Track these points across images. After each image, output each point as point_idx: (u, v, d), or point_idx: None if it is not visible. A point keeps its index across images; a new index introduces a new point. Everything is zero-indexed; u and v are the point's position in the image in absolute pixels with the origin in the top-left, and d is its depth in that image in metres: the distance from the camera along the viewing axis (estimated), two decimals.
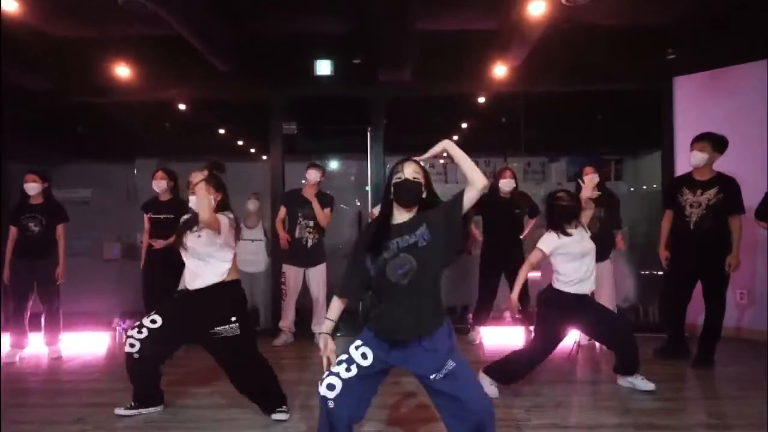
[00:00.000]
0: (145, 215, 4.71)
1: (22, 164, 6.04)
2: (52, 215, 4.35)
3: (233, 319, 2.83)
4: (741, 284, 4.55)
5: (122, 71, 4.95)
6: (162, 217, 4.61)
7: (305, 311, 4.85)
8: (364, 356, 2.02)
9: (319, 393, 1.99)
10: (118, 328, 5.01)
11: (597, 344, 4.55)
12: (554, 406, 2.98)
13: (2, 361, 4.13)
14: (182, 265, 4.54)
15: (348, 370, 2.00)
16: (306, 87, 5.26)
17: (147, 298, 4.65)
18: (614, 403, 3.07)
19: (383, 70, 4.87)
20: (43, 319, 4.40)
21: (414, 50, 4.57)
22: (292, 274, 4.71)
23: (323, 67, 5.06)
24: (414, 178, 2.01)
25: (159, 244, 4.46)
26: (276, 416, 2.86)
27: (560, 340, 3.20)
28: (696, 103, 4.94)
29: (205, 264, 2.86)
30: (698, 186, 3.81)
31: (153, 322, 2.86)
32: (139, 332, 2.83)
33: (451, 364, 1.94)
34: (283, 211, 4.74)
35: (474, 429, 1.92)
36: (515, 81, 5.03)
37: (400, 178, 2.01)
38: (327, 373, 2.01)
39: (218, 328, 2.82)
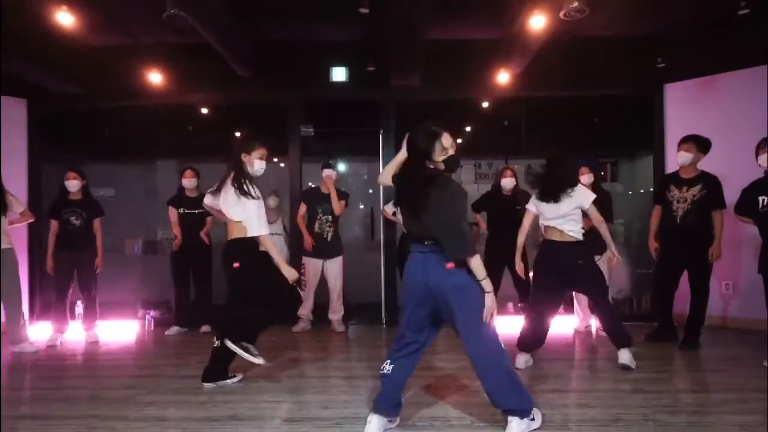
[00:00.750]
0: (171, 209, 5.08)
1: (51, 164, 6.45)
2: (91, 210, 4.73)
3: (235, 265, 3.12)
4: (726, 276, 4.91)
5: (150, 77, 5.31)
6: (196, 212, 4.98)
7: (321, 304, 5.21)
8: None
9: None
10: (147, 316, 5.36)
11: (593, 330, 4.93)
12: (554, 377, 3.33)
13: (45, 344, 4.50)
14: (207, 250, 4.98)
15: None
16: (322, 91, 5.63)
17: (178, 286, 5.03)
18: (608, 374, 3.43)
19: (395, 75, 5.25)
20: (81, 307, 4.77)
21: (423, 57, 4.94)
22: (311, 265, 5.08)
23: (338, 74, 5.44)
24: None
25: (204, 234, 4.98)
26: (208, 384, 3.17)
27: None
28: (685, 109, 5.31)
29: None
30: (684, 183, 4.18)
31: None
32: None
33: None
34: (303, 208, 5.11)
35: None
36: (517, 87, 5.41)
37: None
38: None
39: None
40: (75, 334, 4.77)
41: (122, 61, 5.30)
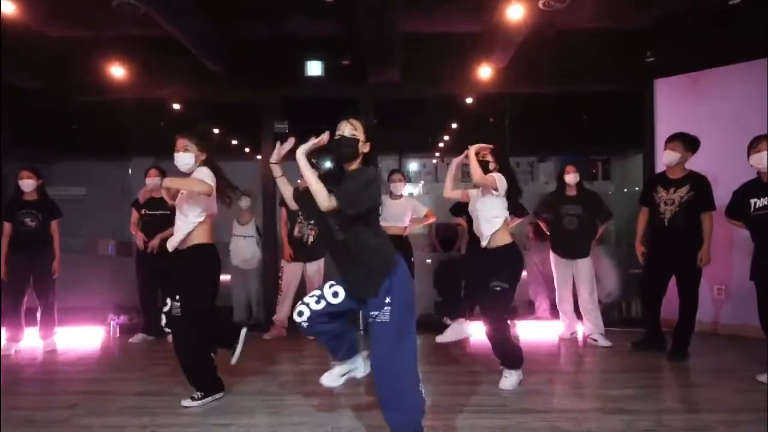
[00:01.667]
0: (134, 211, 4.84)
1: (16, 161, 6.18)
2: (47, 211, 4.46)
3: (177, 297, 2.90)
4: (718, 280, 4.70)
5: (116, 71, 5.06)
6: (158, 213, 4.75)
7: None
8: (335, 295, 2.35)
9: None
10: (112, 322, 5.11)
11: (579, 338, 4.71)
12: (531, 393, 3.10)
13: None
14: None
15: (318, 302, 2.35)
16: (296, 87, 5.37)
17: (143, 293, 4.79)
18: (588, 390, 3.20)
19: (372, 71, 5.00)
20: (38, 314, 4.51)
21: (401, 52, 4.70)
22: (290, 268, 4.82)
23: (314, 68, 5.18)
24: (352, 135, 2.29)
25: (155, 243, 4.62)
26: (186, 402, 2.93)
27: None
28: (676, 105, 5.09)
29: (179, 220, 2.95)
30: (671, 184, 3.95)
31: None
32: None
33: (383, 315, 2.17)
34: (284, 213, 4.83)
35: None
36: (501, 82, 5.17)
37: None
38: (300, 302, 2.39)
39: (174, 301, 2.92)
40: (32, 342, 4.51)
41: (86, 54, 5.05)
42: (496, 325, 3.13)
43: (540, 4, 3.49)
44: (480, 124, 6.44)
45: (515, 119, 5.99)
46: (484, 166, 3.21)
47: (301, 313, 2.36)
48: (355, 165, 2.28)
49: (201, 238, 2.95)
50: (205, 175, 2.88)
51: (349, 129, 2.29)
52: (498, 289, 3.11)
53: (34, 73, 5.30)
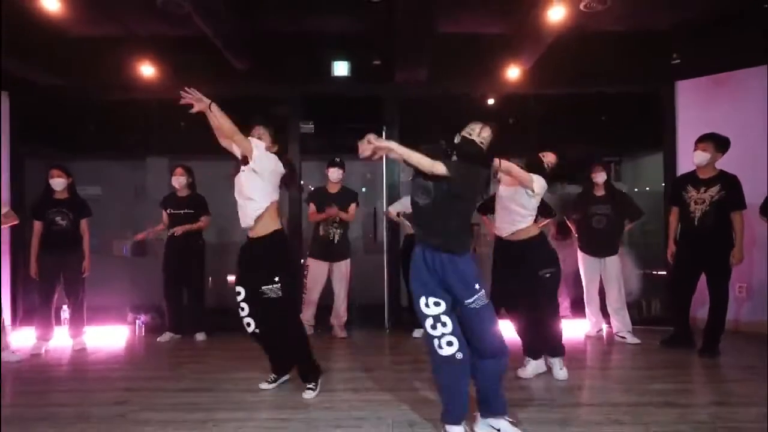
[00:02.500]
0: (163, 211, 4.84)
1: (34, 160, 6.14)
2: (78, 210, 4.44)
3: (276, 279, 2.91)
4: (740, 278, 4.75)
5: (141, 70, 5.04)
6: (182, 212, 4.75)
7: (325, 307, 4.95)
8: (437, 304, 2.35)
9: (442, 356, 2.31)
10: (137, 321, 5.09)
11: (604, 336, 4.77)
12: (576, 388, 3.14)
13: (29, 353, 4.22)
14: (200, 257, 4.74)
15: (444, 324, 2.33)
16: (322, 86, 5.38)
17: (168, 291, 4.77)
18: (629, 385, 3.25)
19: (400, 70, 5.03)
20: (68, 312, 4.48)
21: (431, 51, 4.73)
22: (315, 267, 4.81)
23: (340, 69, 5.20)
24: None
25: (178, 230, 4.62)
26: (306, 394, 3.02)
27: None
28: (698, 106, 5.16)
29: (244, 203, 2.98)
30: (701, 184, 4.02)
31: (238, 294, 3.02)
32: (242, 310, 3.01)
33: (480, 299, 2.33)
34: (313, 207, 4.84)
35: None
36: (526, 83, 5.22)
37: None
38: (437, 337, 2.32)
39: (264, 287, 2.92)
40: (61, 341, 4.48)
41: (111, 53, 5.02)
42: (551, 313, 3.20)
43: (581, 6, 3.53)
44: (501, 124, 6.47)
45: (538, 120, 6.05)
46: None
47: (450, 344, 2.32)
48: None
49: (274, 223, 3.00)
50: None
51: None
52: (548, 275, 3.17)
53: (55, 71, 5.28)
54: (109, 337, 4.87)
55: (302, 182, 5.52)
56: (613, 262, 4.58)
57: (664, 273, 5.12)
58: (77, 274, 4.40)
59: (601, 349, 4.40)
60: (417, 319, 4.85)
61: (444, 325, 2.30)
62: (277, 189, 3.05)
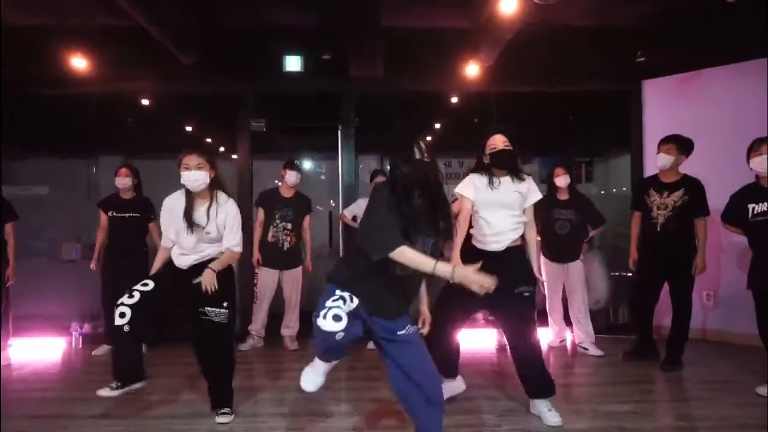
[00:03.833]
0: (102, 213, 4.52)
1: None
2: (1, 212, 4.10)
3: (225, 304, 2.76)
4: (706, 286, 4.60)
5: (80, 62, 4.72)
6: (126, 215, 4.44)
7: (277, 316, 4.68)
8: (351, 299, 2.00)
9: (320, 327, 1.89)
10: (74, 333, 4.76)
11: (568, 346, 4.57)
12: (525, 412, 2.91)
13: None
14: (143, 263, 4.41)
15: (345, 303, 1.96)
16: (274, 82, 5.10)
17: (106, 300, 4.44)
18: (584, 406, 3.04)
19: (354, 66, 4.77)
20: None
21: (386, 47, 4.49)
22: (265, 276, 4.54)
23: (292, 63, 4.93)
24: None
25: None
26: (219, 418, 2.79)
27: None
28: (664, 107, 4.99)
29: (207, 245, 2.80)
30: (665, 188, 3.83)
31: (144, 284, 2.72)
32: (130, 296, 2.64)
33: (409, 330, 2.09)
34: (261, 214, 4.55)
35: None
36: (487, 81, 5.00)
37: None
38: (327, 308, 1.92)
39: (209, 309, 2.72)
40: None
41: (47, 44, 4.69)
42: (533, 341, 2.73)
43: None
44: (464, 124, 6.27)
45: (502, 119, 5.83)
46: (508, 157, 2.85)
47: (338, 318, 1.92)
48: None
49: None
50: (234, 215, 2.80)
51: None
52: (527, 294, 2.72)
53: None
54: (42, 350, 4.54)
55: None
56: (576, 267, 4.38)
57: (630, 275, 4.94)
58: None
59: (562, 361, 4.21)
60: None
61: (344, 301, 1.97)
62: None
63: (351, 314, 1.95)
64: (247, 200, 5.04)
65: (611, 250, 5.62)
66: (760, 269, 3.29)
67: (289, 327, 4.63)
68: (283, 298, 4.63)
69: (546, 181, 5.58)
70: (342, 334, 1.89)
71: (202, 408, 2.97)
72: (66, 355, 4.51)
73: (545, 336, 4.63)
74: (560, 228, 4.38)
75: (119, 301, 2.63)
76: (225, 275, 2.80)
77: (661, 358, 3.87)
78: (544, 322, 4.70)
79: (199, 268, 2.76)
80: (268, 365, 4.13)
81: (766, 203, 3.25)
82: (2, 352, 4.12)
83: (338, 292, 1.99)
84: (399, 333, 2.08)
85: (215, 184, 2.81)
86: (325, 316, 1.89)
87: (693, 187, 3.75)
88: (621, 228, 5.78)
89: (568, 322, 4.57)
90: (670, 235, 3.76)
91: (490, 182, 2.83)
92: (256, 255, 4.50)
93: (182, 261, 2.81)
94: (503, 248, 2.79)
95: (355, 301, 1.99)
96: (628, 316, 5.17)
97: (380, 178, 4.69)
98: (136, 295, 2.64)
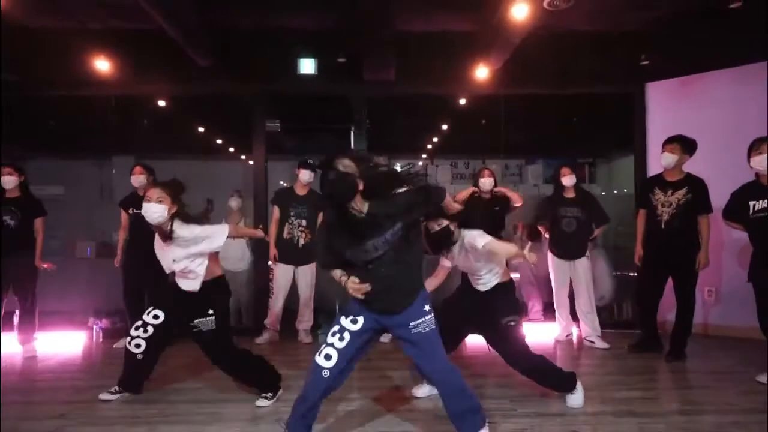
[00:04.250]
0: (123, 212, 4.65)
1: None
2: (30, 209, 4.25)
3: (210, 312, 2.89)
4: (709, 282, 4.74)
5: (99, 65, 4.86)
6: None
7: (291, 311, 4.81)
8: (354, 322, 2.22)
9: (316, 362, 2.18)
10: (95, 327, 4.89)
11: (574, 340, 4.72)
12: (539, 396, 3.05)
13: None
14: None
15: (341, 339, 2.20)
16: (289, 84, 5.24)
17: (128, 297, 4.57)
18: (594, 393, 3.17)
19: (368, 69, 4.91)
20: (17, 317, 4.28)
21: (398, 50, 4.63)
22: (280, 272, 4.67)
23: (307, 66, 5.07)
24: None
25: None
26: (259, 402, 2.95)
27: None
28: (667, 108, 5.14)
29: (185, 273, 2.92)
30: (669, 186, 3.97)
31: (156, 317, 2.90)
32: (145, 331, 2.89)
33: (423, 327, 2.18)
34: (276, 212, 4.69)
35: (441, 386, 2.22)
36: (495, 83, 5.15)
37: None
38: (324, 345, 2.21)
39: (197, 320, 2.87)
40: (10, 347, 4.27)
41: (68, 47, 4.83)
42: (528, 360, 2.87)
43: (545, 4, 3.46)
44: (472, 125, 6.43)
45: (508, 121, 6.00)
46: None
47: (328, 357, 2.18)
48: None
49: (216, 269, 3.02)
50: (192, 229, 2.84)
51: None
52: (513, 323, 2.88)
53: (11, 65, 5.06)
54: (64, 344, 4.67)
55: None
56: (582, 264, 4.52)
57: (633, 273, 5.09)
58: (27, 277, 4.20)
59: (569, 354, 4.34)
60: None
61: (341, 339, 2.21)
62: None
63: (359, 332, 2.21)
64: (263, 199, 5.18)
65: (613, 250, 5.77)
66: (760, 264, 3.44)
67: (304, 321, 4.77)
68: (297, 294, 4.77)
69: (551, 181, 5.74)
70: (328, 372, 2.16)
71: (225, 394, 3.10)
72: (87, 348, 4.63)
73: (552, 331, 4.79)
74: (567, 226, 4.53)
75: (134, 334, 2.90)
76: (208, 286, 2.91)
77: (665, 350, 4.01)
78: (551, 317, 4.88)
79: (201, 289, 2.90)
80: (284, 357, 4.25)
81: (766, 200, 3.40)
82: (28, 345, 4.26)
83: (342, 321, 2.23)
84: (412, 324, 2.17)
85: (176, 217, 2.82)
86: (320, 353, 2.19)
87: (696, 186, 3.89)
88: (622, 227, 5.96)
89: (574, 317, 4.72)
90: (674, 232, 3.91)
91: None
92: (273, 251, 4.64)
93: (182, 284, 2.94)
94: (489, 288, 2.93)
95: (360, 320, 2.21)
96: (631, 312, 5.32)
97: None
98: (150, 330, 2.90)
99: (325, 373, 2.15)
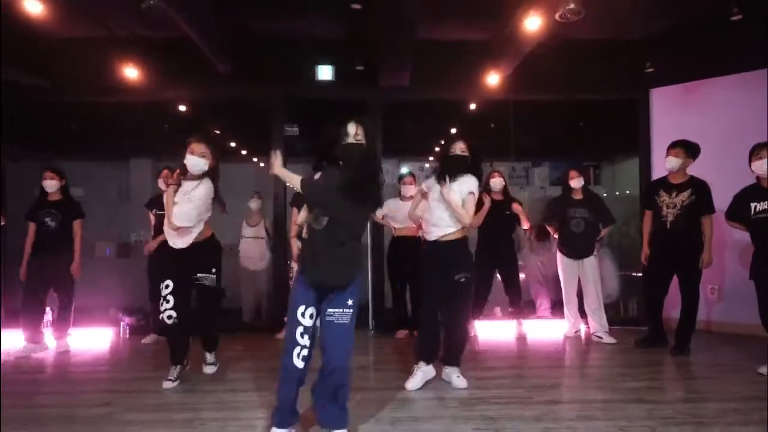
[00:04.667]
0: (149, 212, 4.86)
1: (14, 162, 6.10)
2: (69, 211, 4.46)
3: (213, 270, 3.36)
4: (712, 280, 4.94)
5: (123, 71, 5.04)
6: None
7: None
8: (311, 316, 2.36)
9: (292, 364, 2.31)
10: (122, 323, 5.10)
11: (582, 335, 4.92)
12: (552, 386, 3.25)
13: (17, 355, 4.21)
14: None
15: (310, 338, 2.35)
16: (306, 89, 5.44)
17: (153, 293, 4.75)
18: (604, 383, 3.38)
19: (384, 75, 5.12)
20: (53, 314, 4.49)
21: (413, 57, 4.83)
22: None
23: (324, 73, 5.27)
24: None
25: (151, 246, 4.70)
26: (206, 369, 3.59)
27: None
28: (671, 114, 5.34)
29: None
30: (673, 188, 4.17)
31: (167, 287, 3.22)
32: (167, 302, 3.20)
33: (343, 316, 2.32)
34: (296, 213, 4.88)
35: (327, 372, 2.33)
36: (505, 89, 5.35)
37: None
38: (299, 348, 2.32)
39: (200, 275, 3.30)
40: (11, 343, 4.42)
41: (94, 54, 5.04)
42: (465, 320, 3.21)
43: (556, 16, 3.66)
44: (481, 129, 6.62)
45: (517, 125, 6.20)
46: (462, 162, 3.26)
47: (306, 359, 2.33)
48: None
49: (209, 231, 3.39)
50: (199, 195, 3.19)
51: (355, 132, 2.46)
52: (463, 280, 3.14)
53: (38, 72, 5.27)
54: (93, 339, 4.87)
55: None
56: (590, 263, 4.72)
57: (641, 275, 5.28)
58: (68, 276, 4.41)
59: (578, 348, 4.53)
60: (400, 319, 4.89)
61: (311, 338, 2.35)
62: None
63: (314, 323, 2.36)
64: (282, 200, 5.38)
65: (617, 251, 5.95)
66: (761, 263, 3.64)
67: None
68: None
69: (558, 183, 5.94)
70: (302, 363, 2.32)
71: (259, 382, 3.31)
72: (115, 343, 4.84)
73: (561, 327, 4.99)
74: (576, 226, 4.73)
75: (162, 309, 3.22)
76: (211, 248, 3.38)
77: (671, 346, 4.21)
78: (560, 314, 5.08)
79: (192, 248, 3.24)
80: None
81: (766, 202, 3.60)
82: (62, 341, 4.47)
83: (300, 319, 2.34)
84: (349, 302, 2.33)
85: (209, 173, 3.24)
86: (299, 355, 2.31)
87: (699, 188, 4.09)
88: (626, 228, 6.16)
89: (582, 314, 4.91)
90: (679, 232, 4.10)
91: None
92: (295, 251, 4.83)
93: (177, 243, 3.26)
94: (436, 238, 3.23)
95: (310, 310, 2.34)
96: (637, 310, 5.52)
97: (408, 179, 5.01)
98: (171, 300, 3.21)
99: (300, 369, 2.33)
